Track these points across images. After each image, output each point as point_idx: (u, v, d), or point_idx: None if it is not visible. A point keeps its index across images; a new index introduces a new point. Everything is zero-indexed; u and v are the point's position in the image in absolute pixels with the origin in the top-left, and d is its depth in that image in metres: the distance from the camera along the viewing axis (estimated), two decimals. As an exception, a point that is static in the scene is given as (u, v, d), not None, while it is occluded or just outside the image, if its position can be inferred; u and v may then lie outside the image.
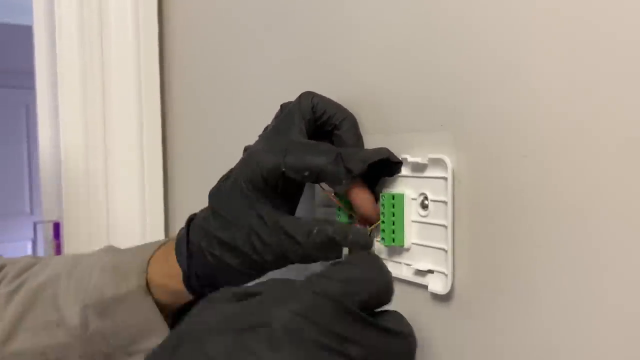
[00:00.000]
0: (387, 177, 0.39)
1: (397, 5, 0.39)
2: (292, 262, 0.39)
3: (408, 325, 0.29)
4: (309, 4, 0.48)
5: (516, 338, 0.33)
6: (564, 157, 0.30)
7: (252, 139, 0.60)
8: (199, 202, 0.74)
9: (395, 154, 0.38)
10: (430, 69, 0.37)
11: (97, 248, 0.74)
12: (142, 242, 0.75)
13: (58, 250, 0.78)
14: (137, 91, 0.74)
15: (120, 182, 0.75)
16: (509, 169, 0.32)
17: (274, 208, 0.39)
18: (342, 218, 0.42)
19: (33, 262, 0.51)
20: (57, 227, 0.78)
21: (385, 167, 0.39)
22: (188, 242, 0.42)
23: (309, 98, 0.41)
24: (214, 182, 0.64)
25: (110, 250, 0.48)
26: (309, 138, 0.41)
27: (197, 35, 0.73)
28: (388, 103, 0.40)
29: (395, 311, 0.30)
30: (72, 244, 0.75)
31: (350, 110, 0.42)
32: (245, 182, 0.39)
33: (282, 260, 0.39)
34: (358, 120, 0.41)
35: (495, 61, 0.33)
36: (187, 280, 0.42)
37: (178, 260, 0.42)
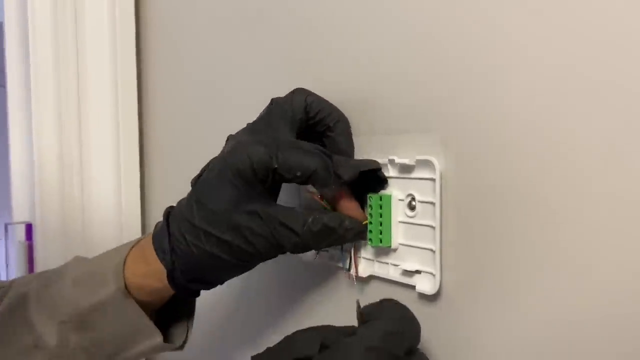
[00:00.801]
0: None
1: (384, 9, 0.39)
2: (284, 252, 0.39)
3: None
4: (296, 3, 0.48)
5: (502, 336, 0.33)
6: (550, 159, 0.30)
7: (231, 131, 0.60)
8: (176, 200, 0.73)
9: (381, 163, 0.39)
10: (417, 71, 0.37)
11: (72, 249, 0.73)
12: (120, 244, 0.74)
13: (30, 251, 0.76)
14: (113, 88, 0.73)
15: (96, 181, 0.74)
16: (496, 170, 0.33)
17: (264, 197, 0.38)
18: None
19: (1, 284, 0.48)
20: (29, 228, 0.76)
21: (371, 181, 0.39)
22: (169, 235, 0.40)
23: (303, 95, 0.40)
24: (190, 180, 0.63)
25: (79, 260, 0.45)
26: (298, 136, 0.41)
27: (174, 31, 0.72)
28: (375, 104, 0.40)
29: (421, 352, 0.32)
30: (46, 246, 0.74)
31: (344, 106, 0.42)
32: (234, 173, 0.38)
33: (275, 251, 0.38)
34: (359, 120, 0.42)
35: (481, 64, 0.33)
36: (170, 276, 0.40)
37: (159, 257, 0.40)
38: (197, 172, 0.68)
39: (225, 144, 0.42)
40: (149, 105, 0.77)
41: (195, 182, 0.41)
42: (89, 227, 0.74)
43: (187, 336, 0.45)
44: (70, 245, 0.73)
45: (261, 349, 0.30)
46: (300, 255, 0.44)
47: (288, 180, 0.38)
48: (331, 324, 0.32)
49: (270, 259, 0.40)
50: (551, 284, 0.31)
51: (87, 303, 0.41)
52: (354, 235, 0.39)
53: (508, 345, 0.33)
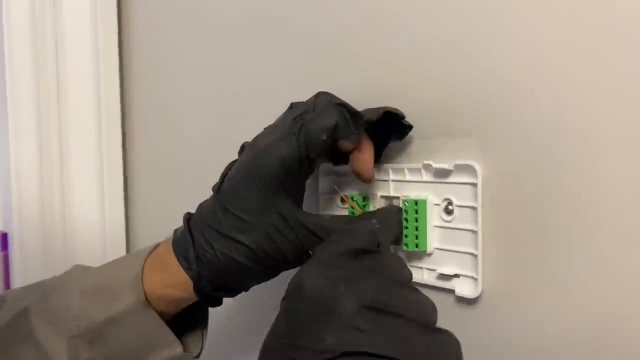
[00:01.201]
0: (409, 182, 0.40)
1: (423, 12, 0.39)
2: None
3: None
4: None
5: (543, 338, 0.34)
6: (592, 163, 0.31)
7: (216, 143, 0.59)
8: (161, 208, 0.71)
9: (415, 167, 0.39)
10: (455, 77, 0.37)
11: (52, 260, 0.69)
12: (103, 252, 0.71)
13: (6, 262, 0.72)
14: (95, 90, 0.70)
15: (77, 189, 0.70)
16: (536, 175, 0.33)
17: (291, 203, 0.38)
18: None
19: None
20: (4, 237, 0.71)
21: (394, 130, 0.40)
22: (193, 243, 0.39)
23: (326, 99, 0.39)
24: (175, 186, 0.62)
25: (83, 271, 0.43)
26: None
27: (157, 32, 0.70)
28: (412, 109, 0.40)
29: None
30: (24, 256, 0.69)
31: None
32: (261, 178, 0.37)
33: (303, 258, 0.38)
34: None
35: (520, 70, 0.34)
36: (197, 285, 0.39)
37: (183, 266, 0.39)
38: (182, 175, 0.66)
39: (244, 151, 0.41)
40: (132, 108, 0.74)
41: (218, 189, 0.40)
42: (70, 237, 0.71)
43: (202, 344, 0.44)
44: (50, 255, 0.70)
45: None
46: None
47: (320, 156, 0.38)
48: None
49: (297, 266, 0.39)
50: (593, 287, 0.31)
51: (102, 316, 0.40)
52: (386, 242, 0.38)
53: (548, 347, 0.34)
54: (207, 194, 0.49)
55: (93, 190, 0.71)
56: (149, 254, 0.42)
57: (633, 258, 0.30)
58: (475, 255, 0.36)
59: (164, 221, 0.71)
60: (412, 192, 0.40)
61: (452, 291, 0.38)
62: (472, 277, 0.36)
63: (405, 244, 0.39)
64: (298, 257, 0.38)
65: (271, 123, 0.41)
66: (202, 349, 0.44)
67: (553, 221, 0.33)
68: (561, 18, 0.32)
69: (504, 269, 0.35)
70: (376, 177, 0.42)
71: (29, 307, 0.41)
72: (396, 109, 0.39)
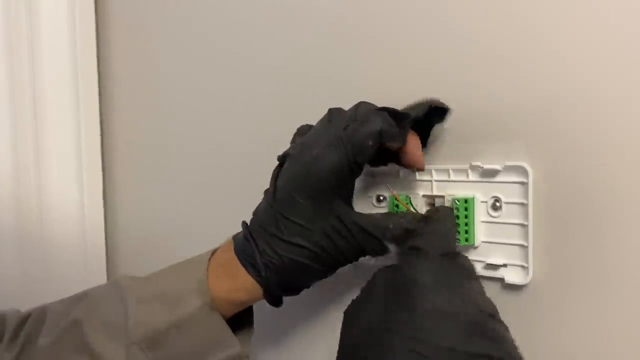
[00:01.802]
0: (453, 182, 0.43)
1: (471, 19, 0.42)
2: (366, 255, 0.42)
3: None
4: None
5: (588, 326, 0.39)
6: (634, 161, 0.36)
7: (194, 141, 0.59)
8: (140, 203, 0.69)
9: (461, 168, 0.42)
10: (504, 83, 0.41)
11: (29, 257, 0.66)
12: (83, 253, 0.69)
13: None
14: (73, 84, 0.67)
15: (55, 186, 0.67)
16: (580, 173, 0.38)
17: (345, 205, 0.40)
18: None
19: (24, 315, 0.46)
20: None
21: (433, 116, 0.43)
22: (259, 253, 0.41)
23: (367, 107, 0.41)
24: (154, 189, 0.62)
25: (133, 279, 0.45)
26: None
27: (136, 29, 0.68)
28: (458, 114, 0.43)
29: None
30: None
31: None
32: (315, 186, 0.39)
33: (359, 256, 0.42)
34: (434, 128, 0.44)
35: (567, 74, 0.38)
36: (267, 290, 0.42)
37: (252, 273, 0.41)
38: (162, 173, 0.66)
39: (292, 160, 0.41)
40: (110, 103, 0.71)
41: (273, 195, 0.41)
42: (48, 235, 0.67)
43: (249, 342, 0.46)
44: (27, 253, 0.66)
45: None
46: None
47: (367, 161, 0.40)
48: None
49: (354, 261, 0.42)
50: (638, 276, 0.37)
51: (166, 321, 0.41)
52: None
53: (594, 336, 0.39)
54: (186, 190, 0.49)
55: (71, 186, 0.68)
56: (209, 260, 0.43)
57: None
58: (524, 246, 0.40)
59: (143, 215, 0.70)
60: (457, 191, 0.43)
61: (499, 280, 0.42)
62: (522, 266, 0.41)
63: (457, 239, 0.42)
64: (356, 255, 0.41)
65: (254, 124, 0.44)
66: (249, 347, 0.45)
67: (599, 216, 0.38)
68: (607, 28, 0.37)
69: (552, 259, 0.40)
70: (418, 177, 0.45)
71: (80, 319, 0.42)
72: (438, 101, 0.42)
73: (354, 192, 0.48)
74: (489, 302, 0.34)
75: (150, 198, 0.70)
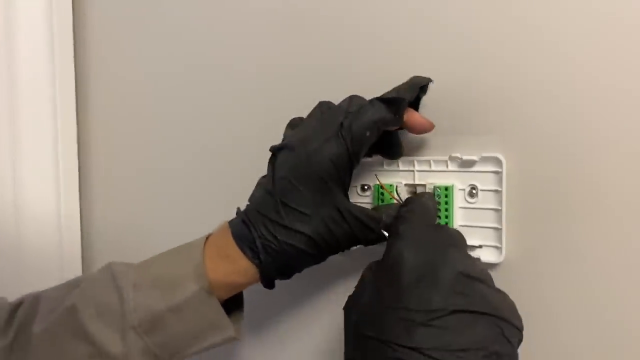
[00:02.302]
0: (434, 171, 0.47)
1: (451, 15, 0.46)
2: (359, 244, 0.45)
3: None
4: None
5: (559, 299, 0.44)
6: (601, 152, 0.42)
7: (174, 147, 0.62)
8: (118, 200, 0.70)
9: (441, 159, 0.47)
10: (479, 77, 0.45)
11: (3, 263, 0.66)
12: (58, 249, 0.69)
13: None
14: (50, 83, 0.66)
15: (31, 184, 0.67)
16: (553, 164, 0.43)
17: (342, 196, 0.44)
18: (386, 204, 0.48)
19: (16, 302, 0.46)
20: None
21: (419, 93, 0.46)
22: (258, 237, 0.43)
23: (361, 99, 0.44)
24: (131, 189, 0.64)
25: (127, 265, 0.46)
26: None
27: (114, 30, 0.68)
28: (437, 109, 0.47)
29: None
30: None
31: None
32: (317, 176, 0.42)
33: (353, 244, 0.45)
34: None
35: (540, 69, 0.43)
36: (264, 272, 0.44)
37: (249, 256, 0.43)
38: (138, 173, 0.67)
39: (290, 151, 0.44)
40: (86, 102, 0.71)
41: (273, 184, 0.44)
42: (24, 234, 0.67)
43: (240, 326, 0.48)
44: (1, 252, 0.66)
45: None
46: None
47: (365, 151, 0.44)
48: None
49: (347, 250, 0.45)
50: (601, 254, 0.42)
51: (163, 305, 0.42)
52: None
53: (563, 307, 0.44)
54: (163, 190, 0.52)
55: (48, 184, 0.68)
56: (204, 245, 0.45)
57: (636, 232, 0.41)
58: (498, 229, 0.45)
59: (119, 214, 0.71)
60: (437, 180, 0.47)
61: (476, 259, 0.46)
62: (496, 247, 0.45)
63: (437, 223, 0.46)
64: (350, 243, 0.45)
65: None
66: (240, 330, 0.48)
67: (566, 201, 0.43)
68: (580, 21, 0.42)
69: (523, 240, 0.45)
70: (401, 167, 0.49)
71: (76, 304, 0.43)
72: (425, 78, 0.45)
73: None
74: (473, 266, 0.37)
75: (127, 197, 0.71)
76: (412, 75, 0.47)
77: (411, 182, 0.49)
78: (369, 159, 0.50)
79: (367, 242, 0.45)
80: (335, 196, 0.43)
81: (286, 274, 0.46)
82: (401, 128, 0.45)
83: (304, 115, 0.46)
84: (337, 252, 0.45)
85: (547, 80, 0.43)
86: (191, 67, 0.63)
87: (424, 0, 0.48)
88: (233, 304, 0.48)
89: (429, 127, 0.45)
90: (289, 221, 0.43)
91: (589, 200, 0.42)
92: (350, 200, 0.51)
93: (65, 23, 0.67)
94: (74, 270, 0.70)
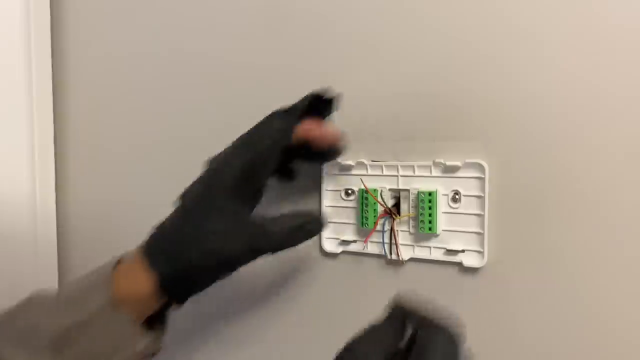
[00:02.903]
0: (418, 177, 0.48)
1: (430, 22, 0.47)
2: (262, 254, 0.44)
3: None
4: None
5: (540, 303, 0.45)
6: (580, 159, 0.43)
7: (148, 138, 0.61)
8: (95, 201, 0.70)
9: (425, 164, 0.47)
10: (463, 83, 0.46)
11: None
12: (32, 239, 0.68)
13: None
14: (27, 83, 0.65)
15: (6, 181, 0.66)
16: (534, 170, 0.44)
17: (246, 208, 0.44)
18: (370, 208, 0.49)
19: None
20: None
21: (322, 109, 0.47)
22: (164, 251, 0.43)
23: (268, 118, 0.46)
24: (106, 177, 0.63)
25: (45, 291, 0.45)
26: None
27: (92, 28, 0.68)
28: (422, 115, 0.48)
29: None
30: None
31: (386, 117, 0.49)
32: (221, 188, 0.43)
33: (256, 256, 0.44)
34: (395, 129, 0.49)
35: (523, 76, 0.44)
36: (167, 288, 0.43)
37: (155, 270, 0.43)
38: (114, 162, 0.67)
39: (208, 165, 0.46)
40: (63, 88, 0.70)
41: (182, 199, 0.45)
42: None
43: (162, 341, 0.47)
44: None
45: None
46: (327, 248, 0.50)
47: (272, 159, 0.44)
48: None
49: (251, 261, 0.44)
50: (581, 259, 0.43)
51: (70, 321, 0.41)
52: (319, 225, 0.46)
53: (544, 310, 0.45)
54: (137, 179, 0.51)
55: (24, 182, 0.67)
56: (116, 264, 0.45)
57: (614, 238, 0.42)
58: (480, 234, 0.46)
59: (95, 203, 0.70)
60: (421, 185, 0.48)
61: (458, 264, 0.47)
62: (478, 251, 0.46)
63: (421, 228, 0.47)
64: (254, 255, 0.44)
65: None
66: (161, 345, 0.47)
67: (546, 207, 0.44)
68: (563, 28, 0.43)
69: (504, 245, 0.45)
70: (385, 172, 0.49)
71: None
72: (323, 91, 0.46)
73: (323, 186, 0.52)
74: None
75: (103, 186, 0.71)
76: (396, 79, 0.48)
77: (395, 186, 0.49)
78: (351, 163, 0.50)
79: (271, 252, 0.44)
80: (239, 207, 0.44)
81: (192, 290, 0.45)
82: (307, 144, 0.46)
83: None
84: (244, 264, 0.44)
85: (529, 88, 0.44)
86: (170, 54, 0.62)
87: (407, 6, 0.48)
88: (157, 318, 0.47)
89: (330, 137, 0.46)
90: (191, 236, 0.43)
91: (569, 206, 0.43)
92: (335, 205, 0.52)
93: (42, 4, 0.66)
94: (49, 254, 0.69)
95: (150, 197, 0.66)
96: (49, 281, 0.69)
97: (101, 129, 0.69)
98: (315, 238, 0.53)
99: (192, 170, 0.61)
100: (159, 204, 0.65)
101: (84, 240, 0.72)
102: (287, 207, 0.55)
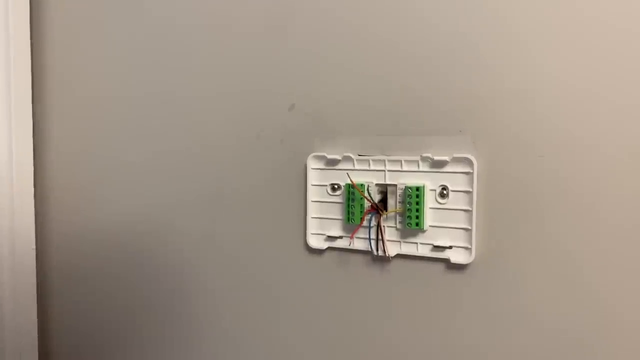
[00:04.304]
0: (405, 172, 0.47)
1: (427, 20, 0.46)
2: None
3: None
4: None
5: (527, 299, 0.44)
6: (568, 153, 0.42)
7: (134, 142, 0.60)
8: (70, 146, 0.68)
9: (412, 159, 0.46)
10: (451, 78, 0.45)
11: None
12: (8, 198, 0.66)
13: None
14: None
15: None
16: (524, 167, 0.43)
17: None
18: (357, 203, 0.48)
19: None
20: None
21: None
22: None
23: None
24: (89, 177, 0.61)
25: None
26: None
27: (72, 23, 0.66)
28: (410, 108, 0.47)
29: None
30: None
31: (373, 110, 0.48)
32: None
33: None
34: (382, 123, 0.48)
35: (510, 71, 0.43)
36: None
37: None
38: (94, 167, 0.65)
39: None
40: (42, 52, 0.69)
41: None
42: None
43: None
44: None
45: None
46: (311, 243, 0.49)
47: None
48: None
49: None
50: (570, 254, 0.42)
51: None
52: None
53: (532, 307, 0.44)
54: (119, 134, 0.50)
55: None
56: None
57: (606, 234, 0.41)
58: (468, 230, 0.45)
59: (74, 154, 0.68)
60: (409, 180, 0.47)
61: (444, 260, 0.46)
62: (465, 247, 0.45)
63: (408, 223, 0.46)
64: None
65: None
66: None
67: (535, 203, 0.43)
68: (553, 24, 0.42)
69: (492, 241, 0.45)
70: (372, 167, 0.48)
71: None
72: None
73: (308, 181, 0.51)
74: None
75: (82, 142, 0.69)
76: (383, 73, 0.47)
77: (382, 181, 0.48)
78: (338, 158, 0.50)
79: None
80: None
81: None
82: None
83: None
84: None
85: (520, 81, 0.43)
86: (152, 39, 0.61)
87: (399, 4, 0.47)
88: None
89: None
90: None
91: (560, 202, 0.42)
92: (321, 200, 0.51)
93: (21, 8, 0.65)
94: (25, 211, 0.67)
95: (128, 161, 0.64)
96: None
97: (81, 92, 0.68)
98: (299, 233, 0.52)
99: (175, 149, 0.60)
100: (137, 169, 0.63)
101: (62, 194, 0.71)
102: (270, 202, 0.54)
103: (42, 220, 0.70)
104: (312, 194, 0.52)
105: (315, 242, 0.52)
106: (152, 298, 0.62)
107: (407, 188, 0.46)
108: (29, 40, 0.67)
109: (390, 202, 0.48)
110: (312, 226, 0.52)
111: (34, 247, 0.69)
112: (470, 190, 0.45)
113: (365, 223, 0.49)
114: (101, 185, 0.66)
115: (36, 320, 0.70)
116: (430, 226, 0.47)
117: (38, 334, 0.71)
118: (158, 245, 0.61)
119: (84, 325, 0.69)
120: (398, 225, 0.48)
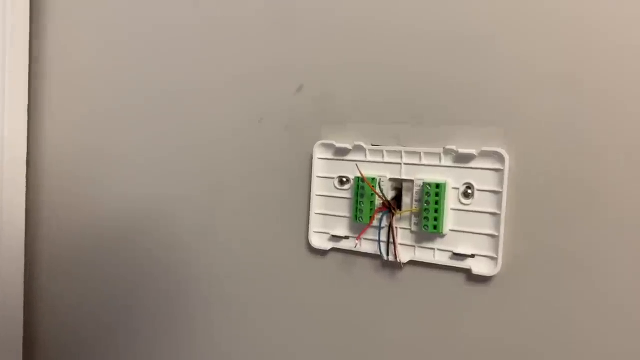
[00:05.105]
0: (424, 165, 0.41)
1: (454, 7, 0.40)
2: None
3: None
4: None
5: (559, 319, 0.38)
6: (624, 156, 0.35)
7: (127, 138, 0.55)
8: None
9: (434, 152, 0.40)
10: (485, 61, 0.39)
11: None
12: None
13: None
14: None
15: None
16: (564, 166, 0.37)
17: None
18: (367, 200, 0.42)
19: None
20: None
21: None
22: None
23: None
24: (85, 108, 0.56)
25: None
26: None
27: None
28: (438, 92, 0.40)
29: None
30: None
31: (390, 95, 0.42)
32: None
33: None
34: (400, 110, 0.42)
35: (549, 62, 0.37)
36: None
37: None
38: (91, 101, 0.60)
39: None
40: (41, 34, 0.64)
41: None
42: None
43: None
44: None
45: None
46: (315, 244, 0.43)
47: None
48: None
49: None
50: (610, 270, 0.36)
51: None
52: None
53: (563, 328, 0.37)
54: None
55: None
56: None
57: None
58: (494, 236, 0.39)
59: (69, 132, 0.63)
60: (428, 176, 0.41)
61: (465, 271, 0.40)
62: (491, 257, 0.39)
63: (425, 226, 0.40)
64: None
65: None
66: None
67: (575, 207, 0.36)
68: (593, 15, 0.35)
69: (523, 250, 0.38)
70: (386, 159, 0.42)
71: None
72: None
73: (313, 172, 0.45)
74: None
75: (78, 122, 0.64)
76: (404, 53, 0.41)
77: (397, 176, 0.42)
78: (348, 147, 0.43)
79: None
80: None
81: None
82: None
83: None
84: None
85: (562, 67, 0.36)
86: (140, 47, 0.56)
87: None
88: None
89: None
90: None
91: (601, 207, 0.36)
92: (326, 195, 0.45)
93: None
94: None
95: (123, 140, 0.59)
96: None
97: (80, 67, 0.63)
98: (301, 231, 0.47)
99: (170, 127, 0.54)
100: (133, 147, 0.58)
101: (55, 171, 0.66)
102: (272, 195, 0.48)
103: (35, 215, 0.66)
104: (317, 187, 0.45)
105: (318, 241, 0.46)
106: (147, 295, 0.57)
107: (425, 185, 0.40)
108: (27, 34, 0.63)
109: (406, 200, 0.42)
110: (315, 223, 0.46)
111: (23, 239, 0.65)
112: (500, 190, 0.38)
113: (375, 223, 0.42)
114: (94, 175, 0.62)
115: (22, 316, 0.66)
116: (450, 230, 0.40)
117: (24, 328, 0.66)
118: (152, 240, 0.56)
119: (72, 321, 0.64)
120: (413, 228, 0.41)
